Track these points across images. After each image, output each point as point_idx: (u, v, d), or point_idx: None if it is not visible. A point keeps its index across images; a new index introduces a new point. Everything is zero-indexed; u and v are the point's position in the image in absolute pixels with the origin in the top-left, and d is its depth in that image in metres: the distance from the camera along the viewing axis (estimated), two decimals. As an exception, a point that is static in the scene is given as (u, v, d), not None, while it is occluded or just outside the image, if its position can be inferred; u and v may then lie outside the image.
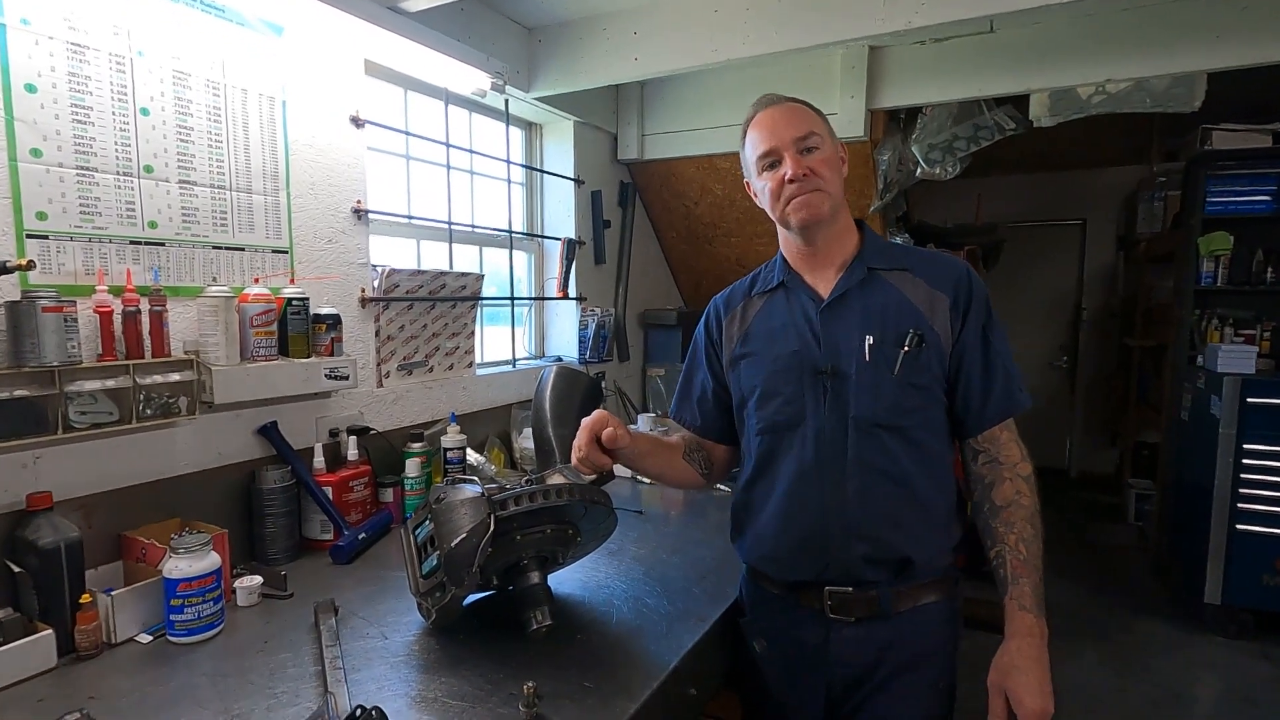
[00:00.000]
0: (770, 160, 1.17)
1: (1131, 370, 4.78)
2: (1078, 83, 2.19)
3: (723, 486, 2.17)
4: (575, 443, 1.18)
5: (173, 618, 1.17)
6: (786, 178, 1.14)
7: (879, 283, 1.18)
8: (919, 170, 2.70)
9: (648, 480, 2.24)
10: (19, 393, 1.13)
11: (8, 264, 1.09)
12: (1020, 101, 2.54)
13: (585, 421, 1.18)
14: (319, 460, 1.64)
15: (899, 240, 3.09)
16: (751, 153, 1.20)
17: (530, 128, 2.72)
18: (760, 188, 1.20)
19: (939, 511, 1.16)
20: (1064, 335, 5.71)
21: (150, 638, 1.18)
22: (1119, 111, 2.34)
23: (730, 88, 2.68)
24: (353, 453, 1.71)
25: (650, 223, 3.26)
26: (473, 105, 2.38)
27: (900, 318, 1.14)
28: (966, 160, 2.66)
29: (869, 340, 1.14)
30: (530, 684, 0.96)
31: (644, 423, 2.60)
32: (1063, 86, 2.24)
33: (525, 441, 2.29)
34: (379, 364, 1.92)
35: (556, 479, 1.22)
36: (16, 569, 1.13)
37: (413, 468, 1.79)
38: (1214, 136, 3.31)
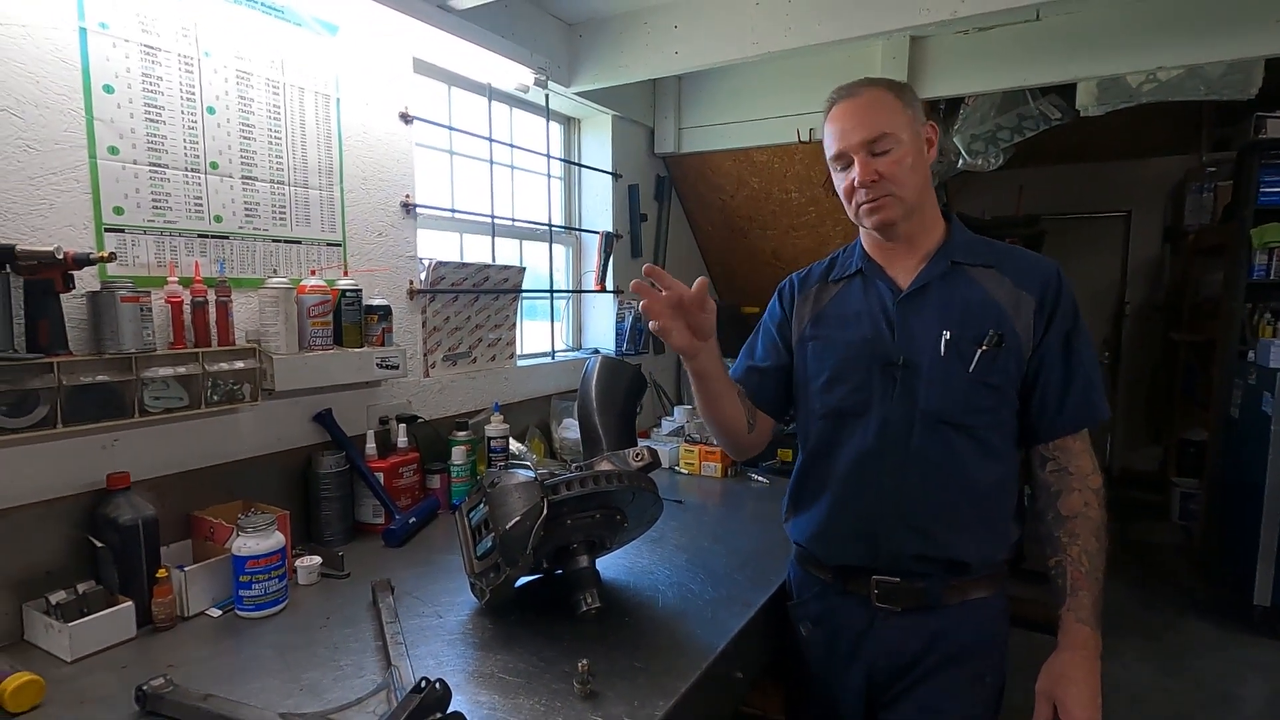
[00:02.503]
0: (842, 163, 1.16)
1: (1177, 366, 4.66)
2: (1127, 70, 2.14)
3: (760, 478, 2.19)
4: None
5: (241, 593, 1.23)
6: (855, 182, 1.13)
7: (962, 277, 1.15)
8: (960, 161, 2.67)
9: (685, 470, 2.27)
10: (100, 378, 1.19)
11: (90, 256, 1.15)
12: (1066, 90, 2.49)
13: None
14: (370, 446, 1.70)
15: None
16: (827, 148, 1.19)
17: (569, 122, 2.75)
18: (836, 183, 1.20)
19: (998, 512, 1.15)
20: (1107, 330, 5.57)
21: (220, 612, 1.25)
22: (1170, 100, 2.29)
23: (768, 80, 2.67)
24: (402, 440, 1.76)
25: (686, 216, 3.27)
26: (514, 101, 2.42)
27: (982, 316, 1.12)
28: (1010, 151, 2.62)
29: (946, 335, 1.12)
30: (584, 661, 0.99)
31: (680, 415, 2.62)
32: (1111, 74, 2.19)
33: (565, 432, 2.33)
34: (426, 354, 1.97)
35: (605, 466, 1.26)
36: (99, 544, 1.19)
37: (458, 455, 1.84)
38: (1269, 124, 3.20)
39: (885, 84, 1.16)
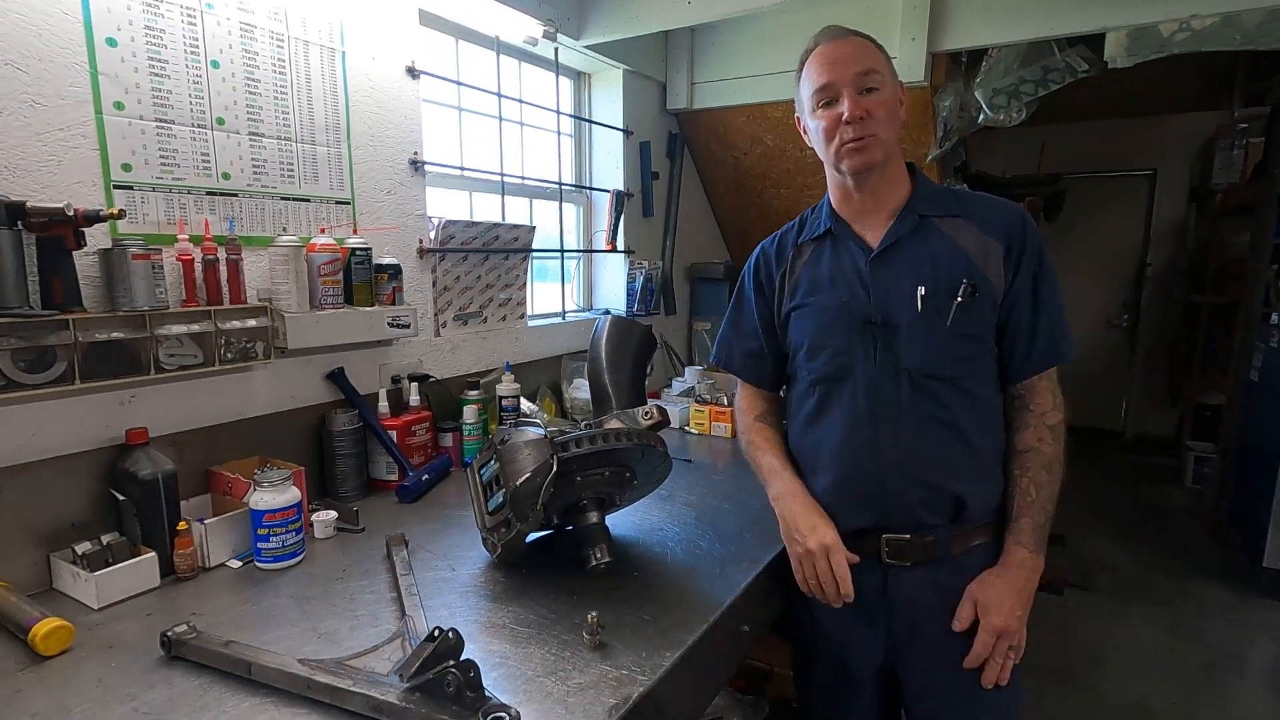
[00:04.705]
0: (826, 98, 1.14)
1: (1198, 329, 4.58)
2: (1159, 19, 2.05)
3: (770, 438, 2.19)
4: (836, 575, 1.16)
5: (259, 546, 1.25)
6: (843, 118, 1.11)
7: (931, 230, 1.16)
8: (981, 117, 2.59)
9: (695, 430, 2.28)
10: (115, 335, 1.20)
11: (100, 213, 1.15)
12: (1094, 41, 2.40)
13: (835, 558, 1.16)
14: (383, 405, 1.71)
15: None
16: (807, 88, 1.16)
17: (579, 77, 2.69)
18: (814, 127, 1.17)
19: (989, 456, 1.18)
20: (1126, 292, 5.48)
21: (239, 564, 1.28)
22: (1203, 50, 2.19)
23: (784, 32, 2.59)
24: (414, 399, 1.78)
25: (698, 174, 3.22)
26: (523, 55, 2.37)
27: (953, 267, 1.13)
28: (1033, 105, 2.53)
29: (921, 291, 1.13)
30: (593, 614, 1.01)
31: (691, 375, 2.62)
32: (1143, 24, 2.10)
33: (575, 391, 2.34)
34: (436, 314, 1.97)
35: (614, 424, 1.26)
36: (121, 497, 1.22)
37: (470, 414, 1.85)
38: (1307, 77, 3.08)
39: (867, 35, 1.17)
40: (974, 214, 1.17)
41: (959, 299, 1.11)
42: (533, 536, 1.38)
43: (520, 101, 2.32)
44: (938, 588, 1.19)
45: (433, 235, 1.93)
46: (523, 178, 2.35)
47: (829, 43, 1.15)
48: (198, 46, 1.37)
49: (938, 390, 1.14)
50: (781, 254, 1.30)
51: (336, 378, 1.65)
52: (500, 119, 2.19)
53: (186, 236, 1.33)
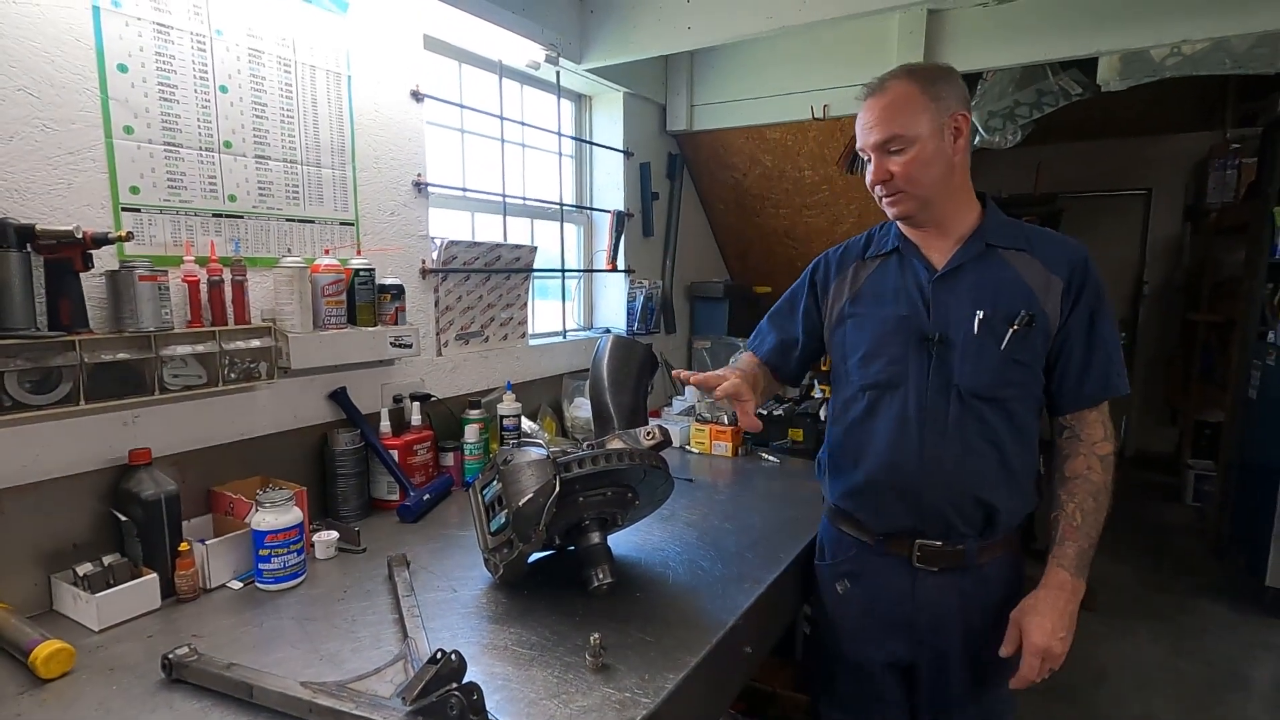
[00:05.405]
0: (864, 157, 1.22)
1: (1194, 347, 4.60)
2: (1151, 44, 2.09)
3: (771, 458, 2.20)
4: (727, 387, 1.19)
5: (261, 567, 1.25)
6: (869, 182, 1.20)
7: (996, 260, 1.21)
8: (977, 139, 2.62)
9: (696, 450, 2.28)
10: (121, 356, 1.21)
11: (109, 235, 1.16)
12: (1088, 64, 2.44)
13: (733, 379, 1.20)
14: (385, 425, 1.72)
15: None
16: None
17: (580, 99, 2.72)
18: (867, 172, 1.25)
19: (1023, 477, 1.23)
20: (1124, 310, 5.50)
21: (240, 584, 1.28)
22: (1195, 74, 2.23)
23: (782, 55, 2.63)
24: (416, 418, 1.78)
25: (698, 195, 3.25)
26: (524, 78, 2.40)
27: (1013, 296, 1.18)
28: (1028, 128, 2.57)
29: (979, 314, 1.17)
30: (596, 635, 1.01)
31: (691, 394, 2.62)
32: (1135, 48, 2.14)
33: (576, 410, 2.34)
34: (438, 333, 1.98)
35: (616, 444, 1.27)
36: (123, 518, 1.22)
37: (471, 434, 1.85)
38: (1297, 99, 3.12)
39: (914, 75, 1.17)
40: (1040, 249, 1.21)
41: (1015, 327, 1.16)
42: (534, 557, 1.37)
43: (522, 124, 2.35)
44: (960, 593, 1.24)
45: (435, 256, 1.95)
46: (524, 198, 2.37)
47: (865, 100, 1.20)
48: (206, 72, 1.39)
49: (983, 410, 1.18)
50: (844, 263, 1.36)
51: (339, 397, 1.66)
52: (502, 141, 2.22)
53: (192, 258, 1.34)
